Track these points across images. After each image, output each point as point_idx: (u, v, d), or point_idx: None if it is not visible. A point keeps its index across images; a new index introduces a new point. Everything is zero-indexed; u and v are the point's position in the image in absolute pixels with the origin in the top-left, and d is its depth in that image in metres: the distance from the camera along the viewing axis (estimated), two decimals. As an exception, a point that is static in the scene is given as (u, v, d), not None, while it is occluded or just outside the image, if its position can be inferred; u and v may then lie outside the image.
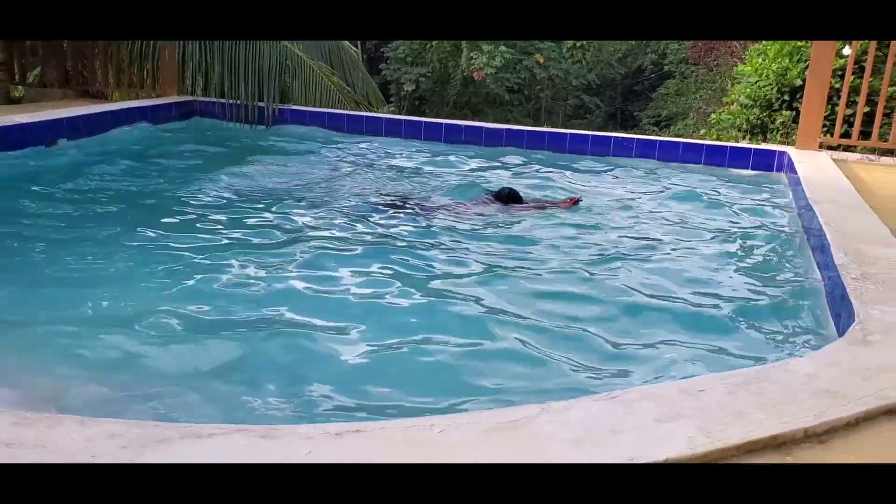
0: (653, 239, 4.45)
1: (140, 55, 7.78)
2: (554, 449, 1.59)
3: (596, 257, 4.04)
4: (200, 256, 3.71)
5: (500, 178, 6.00)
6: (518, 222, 4.70)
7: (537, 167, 6.45)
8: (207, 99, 7.84)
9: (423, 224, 4.54)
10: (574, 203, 5.04)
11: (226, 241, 4.01)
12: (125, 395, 2.34)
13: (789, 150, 6.51)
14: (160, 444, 1.55)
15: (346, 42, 9.42)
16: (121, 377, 2.45)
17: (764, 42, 9.49)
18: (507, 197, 5.08)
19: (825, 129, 6.95)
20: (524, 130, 7.46)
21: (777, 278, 3.77)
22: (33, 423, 1.62)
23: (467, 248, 4.09)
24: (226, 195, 5.00)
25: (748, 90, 9.21)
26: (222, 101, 7.66)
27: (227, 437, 1.61)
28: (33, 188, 4.77)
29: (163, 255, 3.68)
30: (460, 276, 3.62)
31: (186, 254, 3.74)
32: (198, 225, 4.29)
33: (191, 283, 3.35)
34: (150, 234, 4.01)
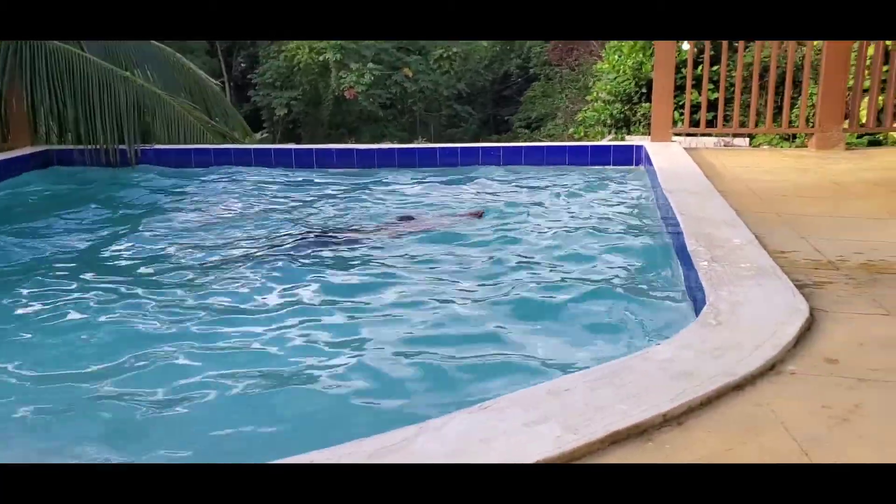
0: (523, 246, 4.52)
1: (-15, 106, 7.35)
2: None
3: (467, 268, 4.11)
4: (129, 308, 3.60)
5: (386, 200, 6.04)
6: (414, 240, 4.74)
7: (409, 183, 6.54)
8: (64, 147, 7.50)
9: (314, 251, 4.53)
10: (478, 216, 5.14)
11: (131, 289, 3.87)
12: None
13: (645, 142, 6.87)
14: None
15: (204, 74, 9.26)
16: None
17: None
18: (404, 217, 5.17)
19: (683, 118, 7.38)
20: (395, 149, 7.56)
21: (643, 271, 3.93)
22: None
23: (366, 271, 4.13)
24: (98, 245, 4.82)
25: (609, 86, 9.65)
26: (80, 147, 7.35)
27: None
28: None
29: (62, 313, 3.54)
30: (343, 303, 3.64)
31: (98, 306, 3.62)
32: (100, 276, 4.12)
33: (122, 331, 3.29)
34: (27, 290, 3.83)
